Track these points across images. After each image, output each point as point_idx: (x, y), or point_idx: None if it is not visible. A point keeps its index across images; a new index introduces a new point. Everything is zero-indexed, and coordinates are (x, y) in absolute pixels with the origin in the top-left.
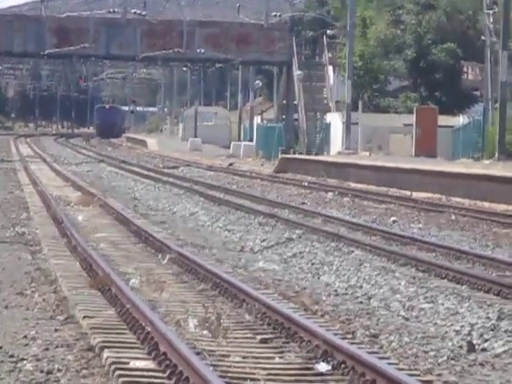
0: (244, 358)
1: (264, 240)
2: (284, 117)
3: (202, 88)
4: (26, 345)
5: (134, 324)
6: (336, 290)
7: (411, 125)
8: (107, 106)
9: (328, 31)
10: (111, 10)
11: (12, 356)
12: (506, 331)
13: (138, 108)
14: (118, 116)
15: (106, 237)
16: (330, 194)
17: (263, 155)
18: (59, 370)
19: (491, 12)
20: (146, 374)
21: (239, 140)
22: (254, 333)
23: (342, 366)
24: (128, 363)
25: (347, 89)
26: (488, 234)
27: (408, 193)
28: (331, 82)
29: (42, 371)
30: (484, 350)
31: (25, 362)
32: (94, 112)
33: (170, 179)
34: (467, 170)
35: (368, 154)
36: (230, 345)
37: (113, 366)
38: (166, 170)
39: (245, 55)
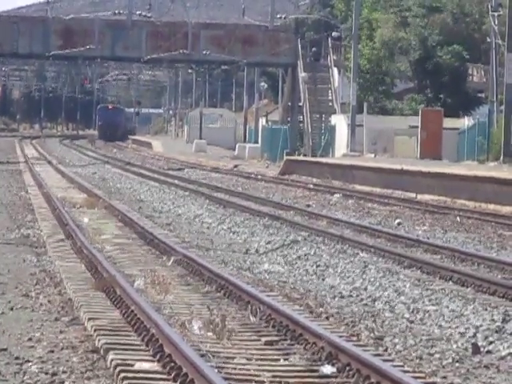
0: (249, 360)
1: (269, 242)
2: (289, 119)
3: (207, 90)
4: (31, 347)
5: (138, 326)
6: (341, 293)
7: (416, 127)
8: (110, 107)
9: (333, 33)
10: (116, 12)
11: (17, 358)
12: (511, 333)
13: (143, 110)
14: (121, 117)
15: (111, 239)
16: (335, 196)
17: (268, 157)
18: (64, 372)
19: (497, 14)
20: (150, 376)
21: (244, 142)
22: (258, 335)
23: (347, 368)
24: (133, 365)
25: (352, 91)
26: (493, 236)
27: (413, 195)
28: (336, 83)
29: (47, 373)
30: (489, 352)
31: (30, 363)
32: (97, 113)
33: (175, 181)
34: (472, 173)
35: (373, 156)
36: (234, 347)
37: (118, 368)
38: (170, 172)
39: (250, 57)
